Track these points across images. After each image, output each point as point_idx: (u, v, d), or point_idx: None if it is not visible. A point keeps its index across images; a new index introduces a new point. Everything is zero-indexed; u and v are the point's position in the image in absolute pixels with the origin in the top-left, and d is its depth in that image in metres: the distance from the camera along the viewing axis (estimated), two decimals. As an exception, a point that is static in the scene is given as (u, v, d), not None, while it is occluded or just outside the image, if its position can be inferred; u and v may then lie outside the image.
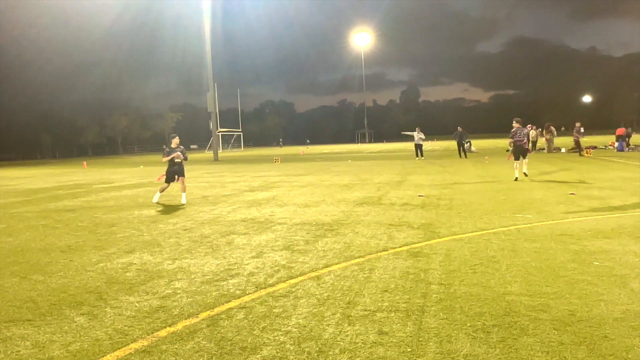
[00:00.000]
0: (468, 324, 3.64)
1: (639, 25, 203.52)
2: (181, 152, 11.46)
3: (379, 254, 5.86)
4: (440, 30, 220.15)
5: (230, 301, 4.36)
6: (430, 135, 35.29)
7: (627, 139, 28.87)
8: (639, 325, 3.50)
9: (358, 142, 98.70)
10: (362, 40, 77.85)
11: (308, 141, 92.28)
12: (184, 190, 11.60)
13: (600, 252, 5.54)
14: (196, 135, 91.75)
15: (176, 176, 11.50)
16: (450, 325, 3.64)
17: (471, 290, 4.37)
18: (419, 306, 4.05)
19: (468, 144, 33.84)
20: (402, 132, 27.67)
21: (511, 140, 14.18)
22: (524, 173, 14.08)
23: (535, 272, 4.84)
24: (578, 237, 6.33)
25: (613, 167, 16.97)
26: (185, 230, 7.98)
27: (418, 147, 26.95)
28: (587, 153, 24.48)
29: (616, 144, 28.44)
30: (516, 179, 13.59)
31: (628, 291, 4.21)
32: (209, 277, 5.16)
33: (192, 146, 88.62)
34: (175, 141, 11.46)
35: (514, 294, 4.24)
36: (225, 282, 4.93)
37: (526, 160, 14.18)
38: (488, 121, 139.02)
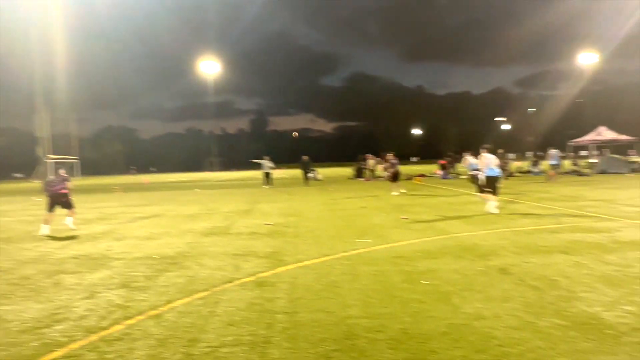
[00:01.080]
0: (311, 351, 3.70)
1: (457, 68, 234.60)
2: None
3: (224, 285, 5.72)
4: (287, 62, 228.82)
5: (54, 351, 3.87)
6: (278, 163, 36.10)
7: (449, 168, 32.70)
8: (460, 337, 3.89)
9: (207, 171, 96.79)
10: (210, 68, 77.12)
11: (154, 169, 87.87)
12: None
13: (428, 271, 6.08)
14: (21, 163, 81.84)
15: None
16: (294, 354, 3.66)
17: (314, 317, 4.47)
18: (264, 337, 4.01)
19: (314, 172, 35.27)
20: (251, 160, 27.84)
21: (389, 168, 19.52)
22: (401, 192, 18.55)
23: (373, 295, 5.13)
24: (410, 258, 6.89)
25: (439, 193, 18.96)
26: (2, 271, 6.97)
27: (267, 175, 27.31)
28: (417, 180, 27.07)
29: (440, 173, 31.95)
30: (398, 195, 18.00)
31: (451, 306, 4.66)
32: (28, 324, 4.54)
33: (16, 175, 78.78)
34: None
35: (354, 317, 4.42)
36: (49, 329, 4.38)
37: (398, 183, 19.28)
38: (332, 150, 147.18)
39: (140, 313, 4.77)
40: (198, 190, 28.06)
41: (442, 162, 33.30)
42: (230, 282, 5.89)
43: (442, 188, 22.02)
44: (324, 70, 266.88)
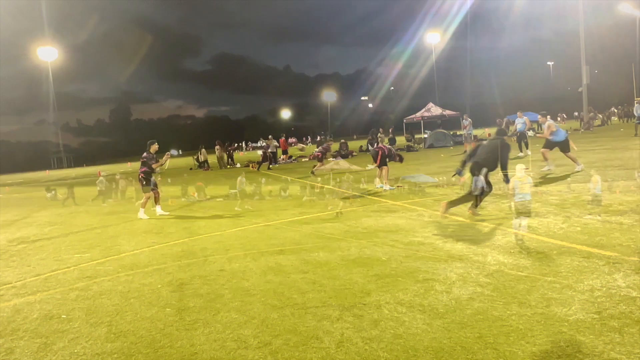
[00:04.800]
0: None
1: (325, 50, 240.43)
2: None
3: None
4: (146, 46, 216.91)
5: None
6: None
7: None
8: None
9: (52, 169, 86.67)
10: (49, 55, 70.01)
11: None
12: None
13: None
14: None
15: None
16: None
17: None
18: None
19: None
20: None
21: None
22: None
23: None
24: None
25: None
26: None
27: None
28: (252, 167, 27.08)
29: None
30: None
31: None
32: None
33: None
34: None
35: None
36: None
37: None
38: (203, 136, 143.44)
39: None
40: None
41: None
42: None
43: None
44: (187, 53, 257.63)
